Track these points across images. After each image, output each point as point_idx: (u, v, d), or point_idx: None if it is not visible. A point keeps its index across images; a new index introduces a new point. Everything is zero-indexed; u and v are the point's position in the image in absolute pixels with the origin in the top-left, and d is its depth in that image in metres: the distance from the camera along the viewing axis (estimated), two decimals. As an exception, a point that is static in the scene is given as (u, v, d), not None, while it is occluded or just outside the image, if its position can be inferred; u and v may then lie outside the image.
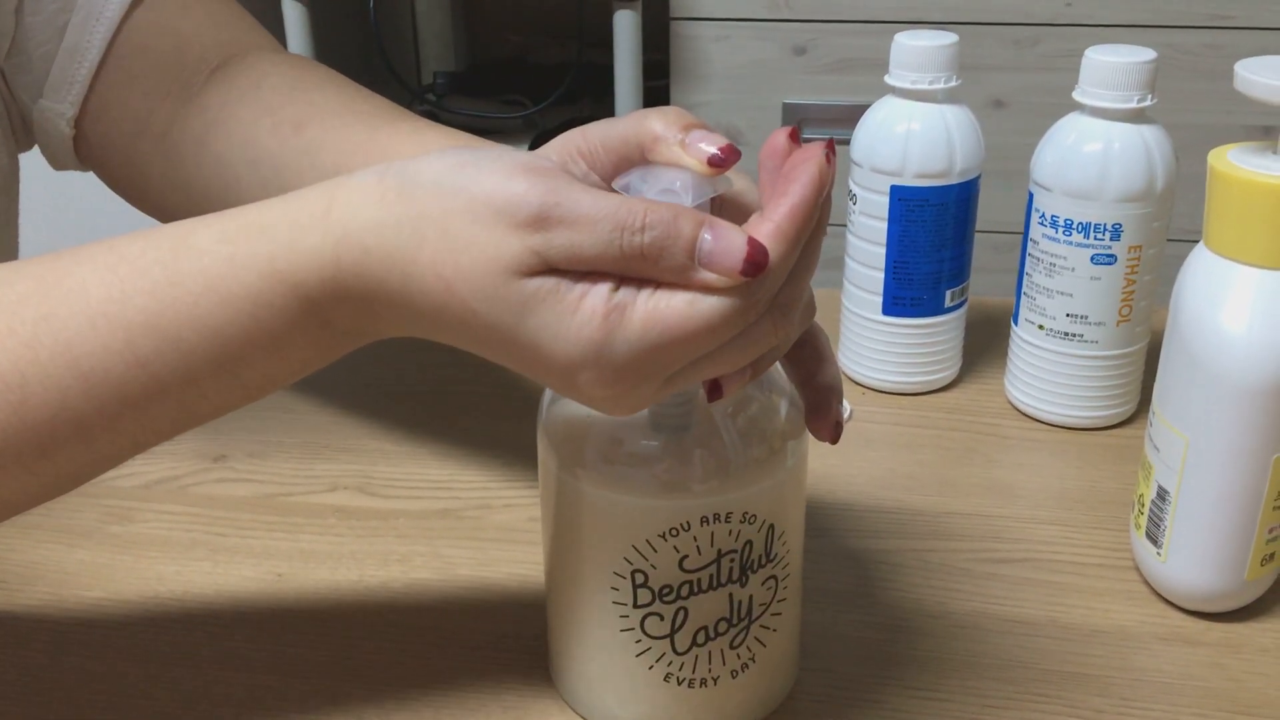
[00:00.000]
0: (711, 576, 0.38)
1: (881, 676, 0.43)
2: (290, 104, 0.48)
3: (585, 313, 0.31)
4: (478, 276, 0.31)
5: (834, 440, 0.39)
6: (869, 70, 1.28)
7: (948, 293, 0.59)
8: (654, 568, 0.37)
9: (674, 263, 0.31)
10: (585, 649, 0.40)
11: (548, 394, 0.40)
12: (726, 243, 0.31)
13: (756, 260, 0.30)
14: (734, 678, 0.40)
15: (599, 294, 0.31)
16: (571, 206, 0.30)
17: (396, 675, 0.43)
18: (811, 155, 0.32)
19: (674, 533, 0.37)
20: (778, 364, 0.39)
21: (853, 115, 1.41)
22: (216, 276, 0.33)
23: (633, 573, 0.38)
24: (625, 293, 0.31)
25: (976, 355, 0.64)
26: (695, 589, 0.38)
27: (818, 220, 0.33)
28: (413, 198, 0.32)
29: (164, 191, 0.50)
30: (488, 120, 1.53)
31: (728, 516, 0.37)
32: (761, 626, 0.39)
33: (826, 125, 1.28)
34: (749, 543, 0.38)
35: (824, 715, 0.42)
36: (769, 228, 0.31)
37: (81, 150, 0.51)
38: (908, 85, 0.57)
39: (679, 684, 0.39)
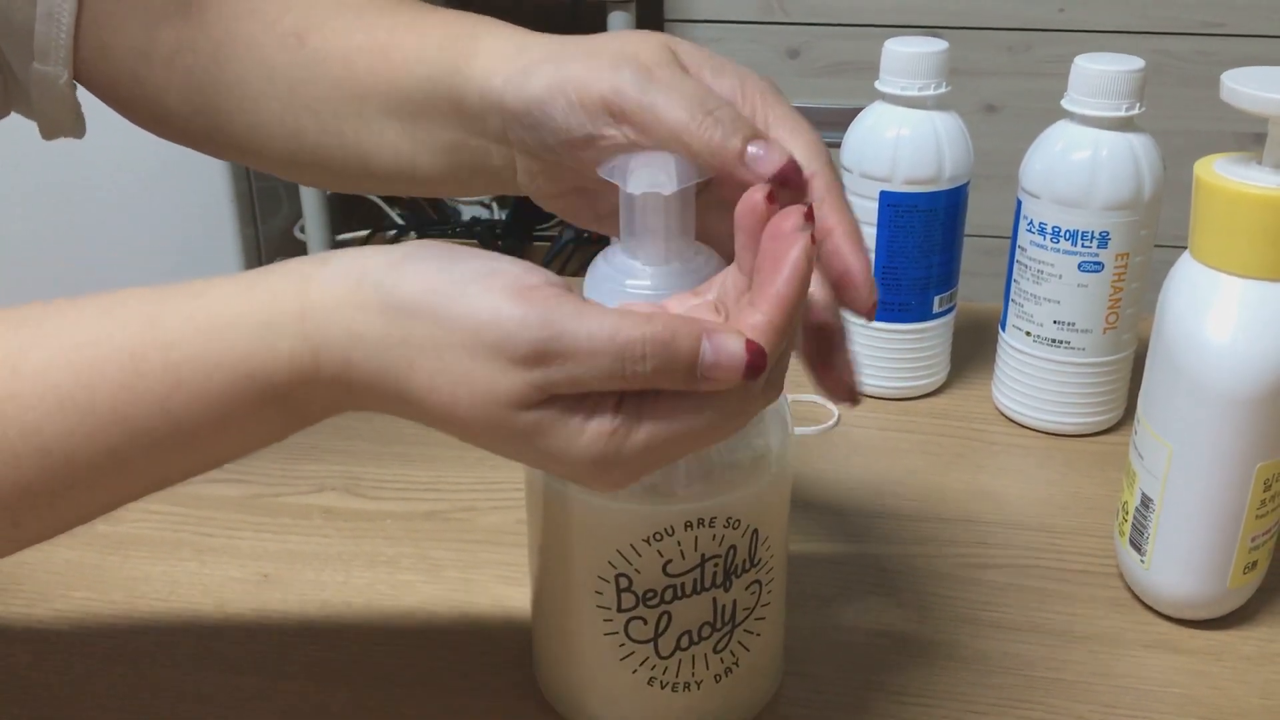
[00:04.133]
0: (695, 581, 0.38)
1: (865, 681, 0.43)
2: (287, 12, 0.47)
3: (591, 434, 0.31)
4: (478, 409, 0.31)
5: (853, 400, 0.39)
6: (862, 74, 1.29)
7: (936, 299, 0.60)
8: (638, 572, 0.37)
9: (676, 383, 0.31)
10: (570, 652, 0.40)
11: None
12: (727, 354, 0.31)
13: (757, 365, 0.31)
14: (717, 682, 0.40)
15: (603, 419, 0.31)
16: (570, 341, 0.30)
17: (381, 676, 0.43)
18: (795, 241, 0.32)
19: (658, 537, 0.37)
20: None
21: (845, 119, 1.41)
22: (188, 375, 0.32)
23: (617, 576, 0.38)
24: (629, 409, 0.31)
25: (964, 360, 0.64)
26: (679, 593, 0.38)
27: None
28: (396, 321, 0.31)
29: (187, 117, 0.49)
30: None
31: (711, 521, 0.37)
32: (745, 631, 0.40)
33: (821, 129, 1.29)
34: (733, 547, 0.38)
35: (807, 720, 0.42)
36: (762, 323, 0.31)
37: (95, 89, 0.50)
38: (897, 91, 0.57)
39: (662, 688, 0.39)
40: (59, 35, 0.47)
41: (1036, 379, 0.57)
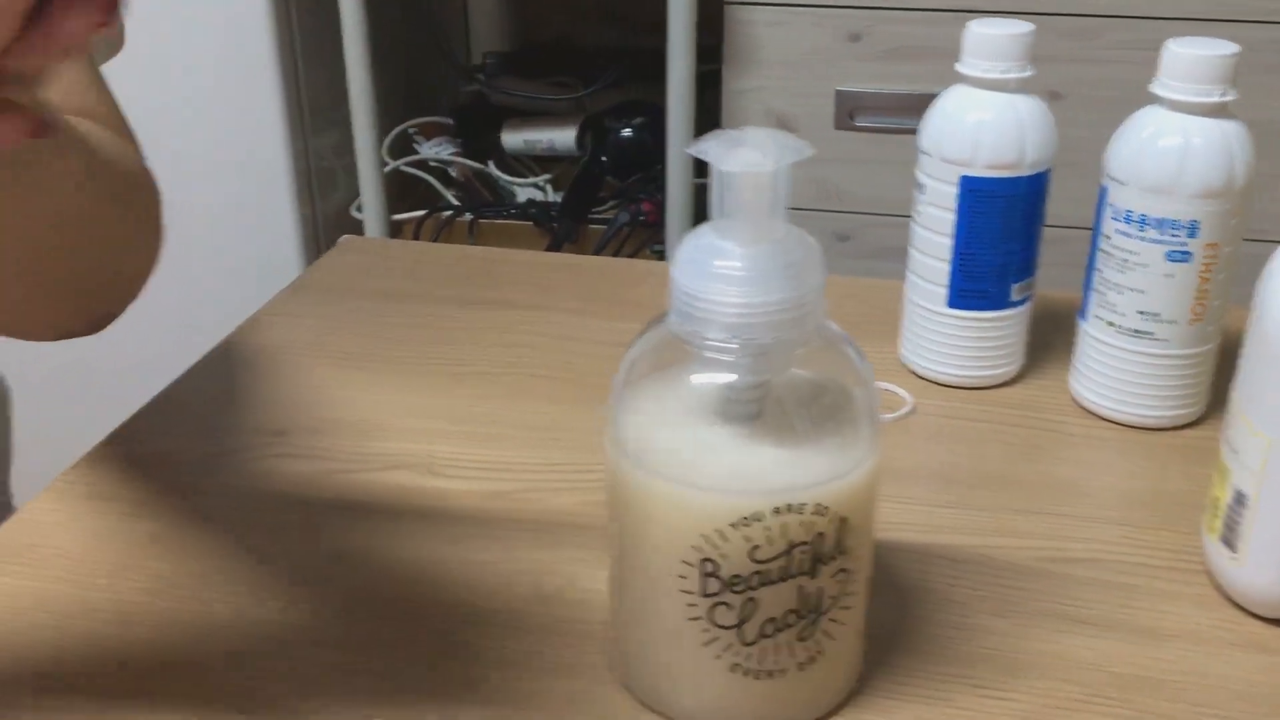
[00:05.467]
0: (782, 568, 0.37)
1: (947, 674, 0.43)
2: None
3: None
4: None
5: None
6: (924, 59, 1.27)
7: (1014, 286, 0.58)
8: (724, 557, 0.37)
9: None
10: (651, 637, 0.40)
11: (617, 382, 0.40)
12: None
13: None
14: (800, 670, 0.39)
15: None
16: None
17: (458, 656, 0.43)
18: None
19: (746, 523, 0.36)
20: (858, 356, 0.39)
21: (907, 104, 1.40)
22: None
23: (702, 561, 0.37)
24: None
25: (1038, 350, 0.63)
26: (765, 580, 0.37)
27: None
28: None
29: None
30: (536, 102, 1.53)
31: (801, 508, 0.36)
32: (830, 620, 0.39)
33: (881, 113, 1.27)
34: (821, 535, 0.37)
35: (890, 711, 0.41)
36: None
37: None
38: (979, 74, 0.56)
39: (745, 674, 0.39)
40: None
41: (1118, 370, 0.56)
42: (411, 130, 1.57)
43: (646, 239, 1.41)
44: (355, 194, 1.49)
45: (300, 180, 1.36)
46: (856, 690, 0.42)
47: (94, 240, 0.46)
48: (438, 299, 0.69)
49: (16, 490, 0.65)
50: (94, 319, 0.50)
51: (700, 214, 1.39)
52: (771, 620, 0.38)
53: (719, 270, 0.36)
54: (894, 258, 0.75)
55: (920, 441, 0.56)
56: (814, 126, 1.32)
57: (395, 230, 1.39)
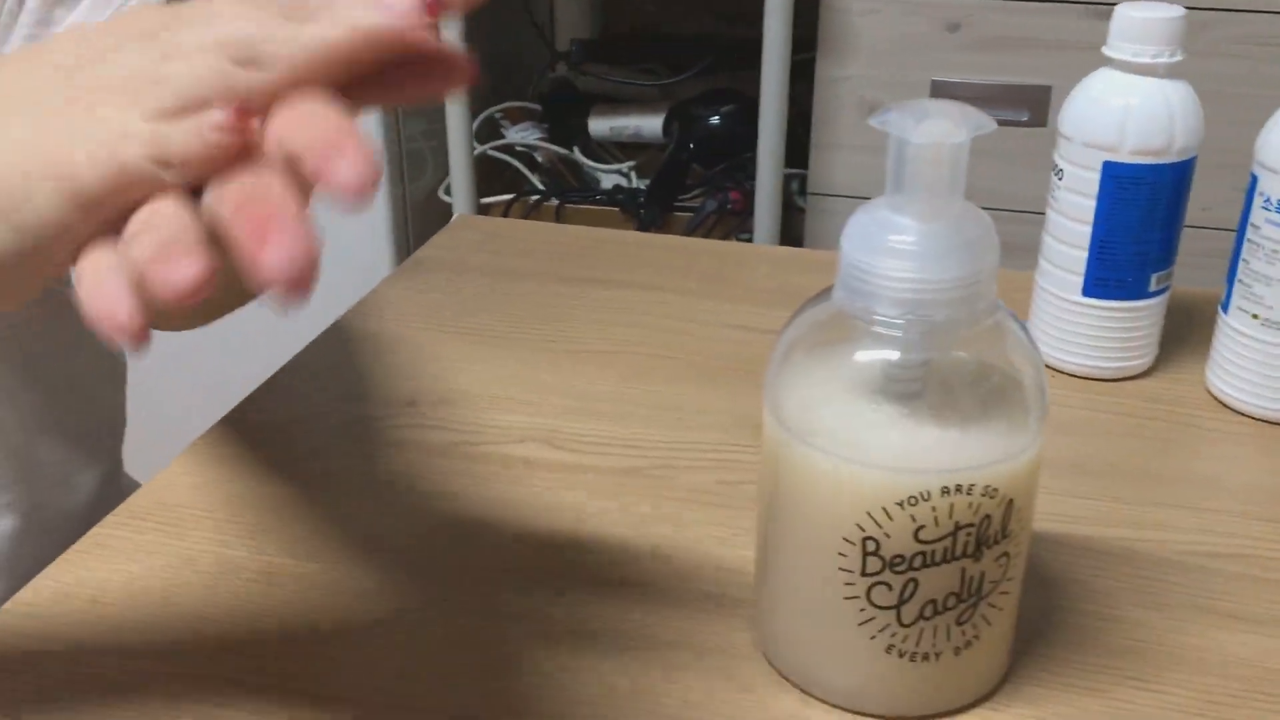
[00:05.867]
0: (946, 549, 0.37)
1: (1099, 665, 0.42)
2: None
3: None
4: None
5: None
6: (1025, 50, 1.25)
7: (1153, 277, 0.57)
8: (887, 536, 0.36)
9: None
10: (802, 614, 0.40)
11: (775, 358, 0.39)
12: None
13: None
14: (957, 654, 0.39)
15: None
16: None
17: (598, 628, 0.43)
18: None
19: (912, 502, 0.36)
20: (1029, 338, 0.38)
21: (1005, 96, 1.37)
22: None
23: (864, 540, 0.37)
24: None
25: (1169, 343, 0.61)
26: (928, 561, 0.37)
27: None
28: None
29: None
30: (623, 88, 1.53)
31: (969, 489, 0.36)
32: (989, 604, 0.38)
33: (978, 105, 1.25)
34: (987, 517, 0.37)
35: (1042, 700, 0.40)
36: None
37: None
38: (1129, 58, 0.54)
39: (900, 656, 0.38)
40: None
41: (1261, 364, 0.55)
42: (498, 115, 1.57)
43: (733, 227, 1.40)
44: (442, 177, 1.50)
45: (393, 162, 1.37)
46: (1006, 679, 0.41)
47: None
48: (554, 278, 0.69)
49: (128, 461, 0.66)
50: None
51: (789, 203, 1.38)
52: (931, 602, 0.37)
53: (893, 245, 0.36)
54: (1023, 251, 0.74)
55: (1053, 433, 0.55)
56: (908, 117, 1.31)
57: (483, 213, 1.40)
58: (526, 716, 0.39)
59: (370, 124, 1.34)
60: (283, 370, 0.60)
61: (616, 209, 1.43)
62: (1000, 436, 0.37)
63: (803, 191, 1.42)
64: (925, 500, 0.36)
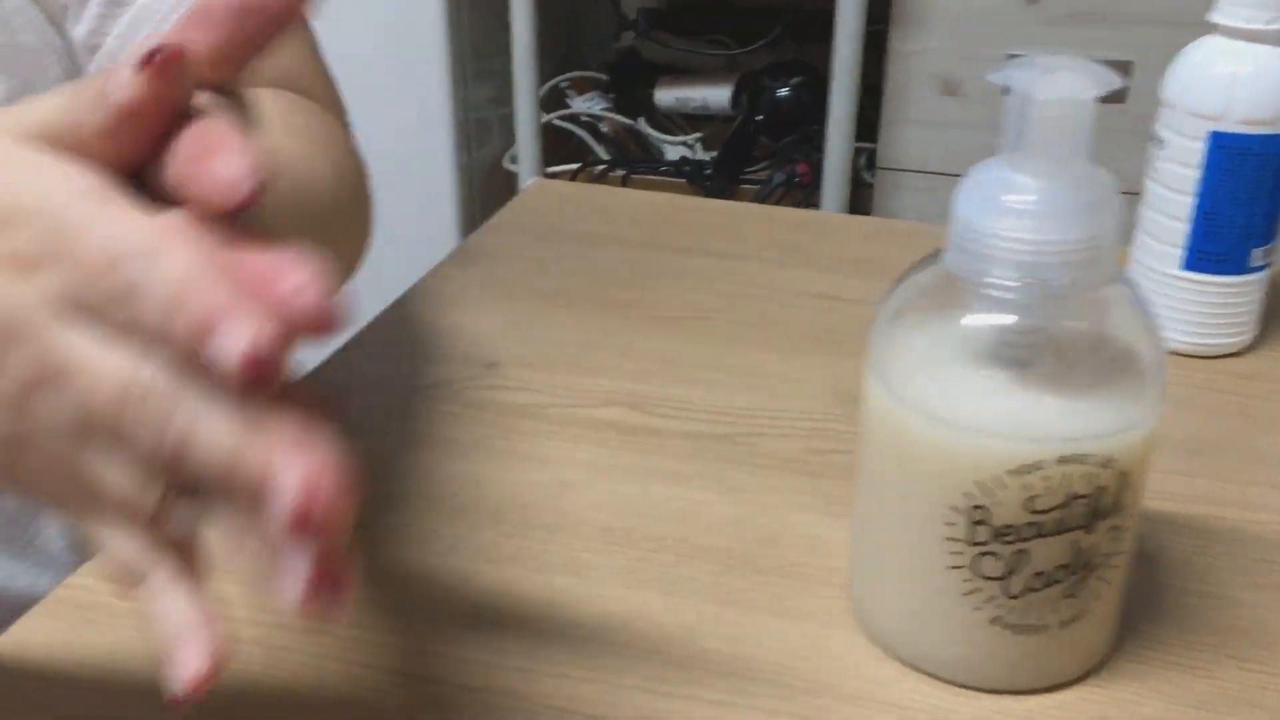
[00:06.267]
0: (1058, 520, 0.36)
1: (1205, 645, 0.41)
2: None
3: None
4: None
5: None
6: (1106, 24, 1.22)
7: (1255, 251, 0.55)
8: (998, 505, 0.36)
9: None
10: (903, 584, 0.39)
11: (881, 321, 0.39)
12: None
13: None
14: (1063, 628, 0.38)
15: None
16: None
17: (690, 591, 0.43)
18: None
19: (1026, 470, 0.35)
20: (1146, 307, 0.37)
21: (1085, 70, 1.33)
22: None
23: (972, 509, 0.36)
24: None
25: (1272, 321, 0.59)
26: (1039, 532, 0.36)
27: None
28: None
29: None
30: (690, 59, 1.52)
31: (1086, 459, 0.35)
32: (1098, 578, 0.37)
33: (1055, 79, 1.22)
34: (1102, 488, 0.36)
35: (1145, 678, 0.39)
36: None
37: None
38: (1240, 24, 0.53)
39: (1005, 628, 0.38)
40: None
41: (1371, 344, 0.53)
42: (563, 84, 1.57)
43: (800, 200, 1.39)
44: (506, 145, 1.50)
45: (459, 130, 1.37)
46: (1109, 656, 0.40)
47: None
48: (634, 244, 0.69)
49: None
50: None
51: (856, 178, 1.36)
52: (1040, 574, 0.37)
53: (1010, 205, 0.35)
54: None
55: (1148, 408, 0.54)
56: (982, 92, 1.28)
57: (548, 183, 1.40)
58: (624, 675, 0.39)
59: (437, 92, 1.34)
60: (364, 330, 0.60)
61: (683, 180, 1.42)
62: (1118, 407, 0.36)
63: (869, 166, 1.40)
64: (1039, 469, 0.35)
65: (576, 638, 0.41)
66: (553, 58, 1.53)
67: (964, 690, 0.39)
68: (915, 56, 1.29)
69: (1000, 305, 0.36)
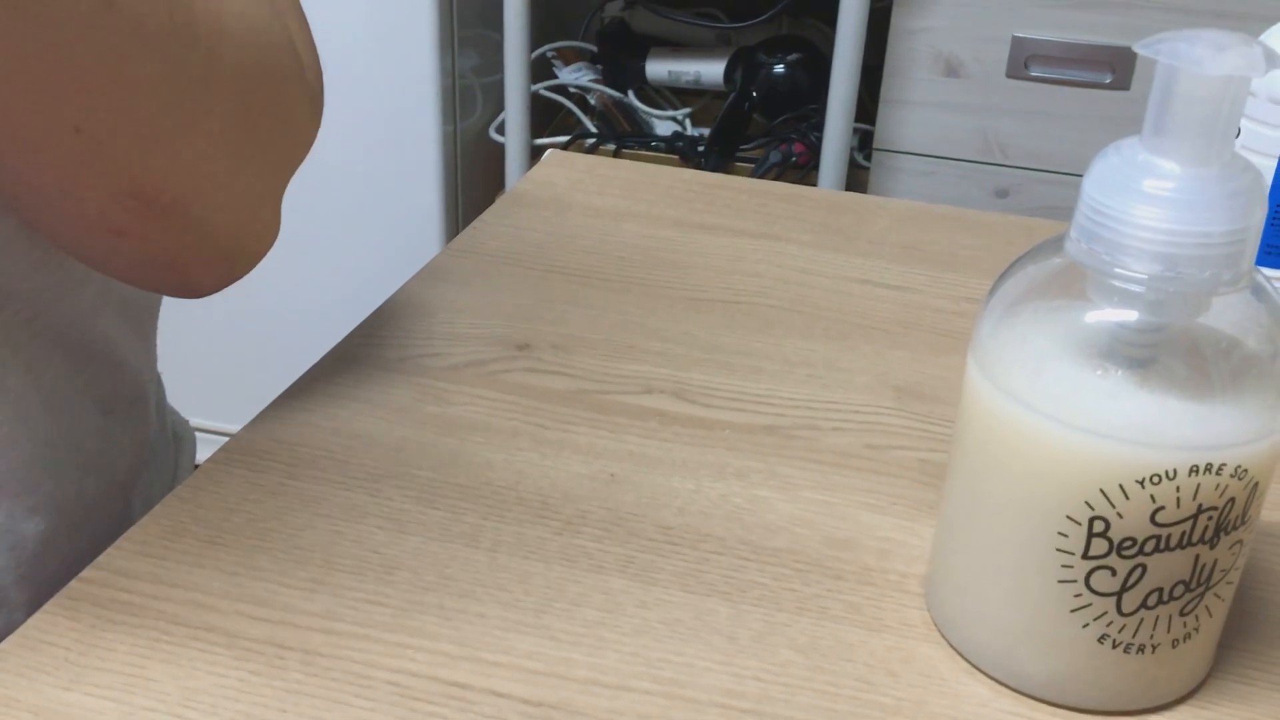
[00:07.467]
0: (1183, 534, 0.33)
1: (1308, 664, 0.38)
2: None
3: None
4: None
5: None
6: (1114, 9, 1.20)
7: (1325, 248, 0.53)
8: (1120, 516, 0.33)
9: None
10: (1004, 598, 0.36)
11: (991, 310, 0.36)
12: None
13: None
14: (1174, 647, 0.35)
15: None
16: None
17: (758, 597, 0.40)
18: None
19: (1155, 480, 0.32)
20: (1270, 294, 0.34)
21: (1089, 56, 1.32)
22: None
23: (1092, 519, 0.33)
24: None
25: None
26: (1161, 545, 0.33)
27: None
28: None
29: None
30: (683, 31, 1.48)
31: (1220, 468, 0.32)
32: (1214, 595, 0.35)
33: (1060, 65, 1.20)
34: (1232, 500, 0.33)
35: (1250, 699, 0.37)
36: None
37: None
38: (1325, 8, 0.50)
39: (1114, 647, 0.35)
40: None
41: None
42: (550, 54, 1.52)
43: (796, 181, 1.36)
44: (492, 116, 1.46)
45: (445, 99, 1.33)
46: (1212, 673, 0.38)
47: (126, 120, 0.34)
48: (661, 221, 0.65)
49: (191, 409, 0.61)
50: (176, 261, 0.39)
51: (851, 158, 1.33)
52: (1157, 590, 0.34)
53: (1149, 190, 0.32)
54: (1055, 217, 0.70)
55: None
56: (984, 74, 1.26)
57: (536, 155, 1.35)
58: (696, 690, 0.36)
59: (424, 58, 1.29)
60: (387, 305, 0.56)
61: (676, 156, 1.39)
62: (1251, 414, 0.33)
63: (862, 147, 1.37)
64: (1170, 479, 0.32)
65: (633, 637, 0.38)
66: (539, 26, 1.49)
67: (1059, 710, 0.36)
68: (918, 35, 1.26)
69: (1128, 299, 0.33)
